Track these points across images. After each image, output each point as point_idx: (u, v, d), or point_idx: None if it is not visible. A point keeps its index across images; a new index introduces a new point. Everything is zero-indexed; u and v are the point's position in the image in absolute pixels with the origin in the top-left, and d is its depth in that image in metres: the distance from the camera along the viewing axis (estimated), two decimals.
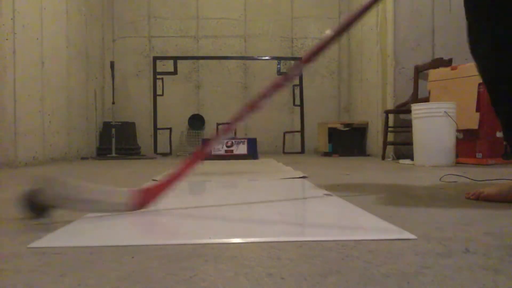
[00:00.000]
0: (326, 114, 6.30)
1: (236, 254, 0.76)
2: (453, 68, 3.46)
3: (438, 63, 3.85)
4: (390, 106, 4.35)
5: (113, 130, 5.04)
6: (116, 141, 5.08)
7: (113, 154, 5.01)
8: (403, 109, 4.04)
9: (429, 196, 1.51)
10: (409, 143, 3.64)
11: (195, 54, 6.14)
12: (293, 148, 6.20)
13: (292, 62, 6.16)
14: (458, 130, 3.22)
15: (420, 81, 4.07)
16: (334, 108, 6.39)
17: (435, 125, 3.13)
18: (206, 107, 6.28)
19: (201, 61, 6.17)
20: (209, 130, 6.23)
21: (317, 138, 5.78)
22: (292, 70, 1.32)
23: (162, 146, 5.99)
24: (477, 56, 1.45)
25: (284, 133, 6.08)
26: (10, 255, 0.77)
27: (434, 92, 3.59)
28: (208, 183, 2.02)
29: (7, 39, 3.37)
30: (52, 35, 4.20)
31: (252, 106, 1.27)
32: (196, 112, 6.24)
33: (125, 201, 1.17)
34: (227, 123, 1.31)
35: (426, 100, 3.72)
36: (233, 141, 4.57)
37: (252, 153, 4.56)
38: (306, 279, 0.62)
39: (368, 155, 5.05)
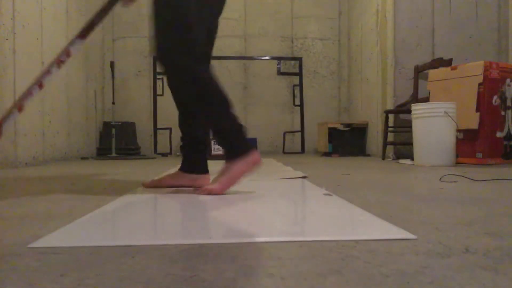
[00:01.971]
0: (326, 114, 6.30)
1: (236, 254, 0.76)
2: (453, 68, 3.46)
3: (438, 63, 3.85)
4: (390, 106, 4.35)
5: (113, 130, 5.04)
6: (116, 141, 5.08)
7: (113, 154, 5.01)
8: (403, 109, 4.04)
9: (429, 196, 1.51)
10: (409, 143, 3.64)
11: None
12: (293, 148, 6.20)
13: (292, 62, 6.16)
14: (458, 130, 3.22)
15: (420, 81, 4.07)
16: (334, 108, 6.39)
17: (435, 125, 3.13)
18: None
19: None
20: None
21: (317, 138, 5.78)
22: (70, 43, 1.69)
23: (162, 146, 5.99)
24: None
25: (284, 133, 6.08)
26: (10, 255, 0.77)
27: (434, 92, 3.59)
28: None
29: (7, 39, 3.37)
30: (52, 35, 4.20)
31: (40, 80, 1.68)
32: None
33: None
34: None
35: (426, 100, 3.72)
36: None
37: None
38: (306, 279, 0.62)
39: (368, 155, 5.05)
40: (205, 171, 1.83)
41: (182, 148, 1.85)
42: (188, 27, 1.59)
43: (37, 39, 3.88)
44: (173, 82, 1.65)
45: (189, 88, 1.60)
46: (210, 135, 1.84)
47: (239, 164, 1.58)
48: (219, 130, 1.64)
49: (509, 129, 3.32)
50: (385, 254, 0.74)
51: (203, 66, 1.65)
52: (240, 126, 1.63)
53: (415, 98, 4.00)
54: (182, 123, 1.84)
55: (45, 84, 1.64)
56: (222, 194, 1.58)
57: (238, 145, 1.62)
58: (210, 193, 1.57)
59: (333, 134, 5.13)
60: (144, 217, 1.16)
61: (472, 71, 3.28)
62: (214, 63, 6.90)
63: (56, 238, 0.89)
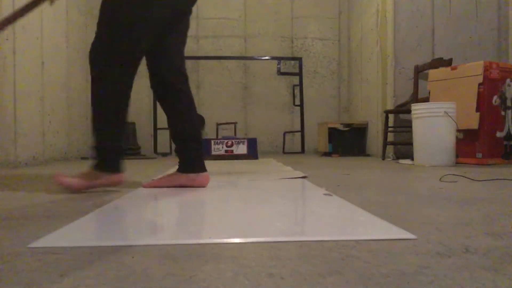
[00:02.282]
0: (326, 114, 6.30)
1: (236, 254, 0.76)
2: (453, 68, 3.46)
3: (438, 63, 3.85)
4: (390, 106, 4.35)
5: None
6: None
7: None
8: (403, 109, 4.04)
9: (429, 196, 1.51)
10: (409, 143, 3.64)
11: (195, 54, 6.14)
12: (293, 148, 6.20)
13: (292, 62, 6.16)
14: (458, 130, 3.22)
15: (420, 81, 4.07)
16: (334, 108, 6.39)
17: (435, 125, 3.13)
18: (206, 107, 6.28)
19: (201, 61, 6.17)
20: (209, 130, 6.23)
21: (317, 138, 5.78)
22: None
23: (162, 146, 5.99)
24: None
25: (284, 133, 6.09)
26: (10, 255, 0.77)
27: (434, 92, 3.59)
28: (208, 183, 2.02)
29: (7, 39, 3.37)
30: (52, 35, 4.20)
31: None
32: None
33: None
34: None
35: (426, 100, 3.72)
36: (233, 141, 4.57)
37: (252, 153, 4.56)
38: (306, 279, 0.62)
39: (368, 155, 5.05)
40: (202, 169, 1.83)
41: (176, 150, 1.88)
42: (118, 35, 1.70)
43: (37, 39, 3.88)
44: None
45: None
46: (202, 133, 1.91)
47: (102, 177, 1.73)
48: (100, 141, 1.75)
49: (509, 129, 3.33)
50: (385, 254, 0.74)
51: (124, 77, 1.77)
52: (120, 148, 1.79)
53: (415, 98, 4.00)
54: (170, 125, 1.91)
55: None
56: (76, 189, 1.70)
57: (110, 163, 1.75)
58: (63, 184, 1.68)
59: (333, 134, 5.13)
60: (144, 217, 1.16)
61: (472, 71, 3.28)
62: (214, 63, 6.96)
63: (56, 238, 0.89)
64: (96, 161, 1.75)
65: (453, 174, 2.29)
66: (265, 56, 6.08)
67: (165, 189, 1.79)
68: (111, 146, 1.76)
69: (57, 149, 4.31)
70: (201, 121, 6.21)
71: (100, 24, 1.71)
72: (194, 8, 6.23)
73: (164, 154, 5.74)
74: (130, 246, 0.82)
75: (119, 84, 1.74)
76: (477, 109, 3.23)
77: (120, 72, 1.74)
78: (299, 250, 0.78)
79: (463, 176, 2.18)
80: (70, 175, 1.74)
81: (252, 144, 4.59)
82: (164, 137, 6.02)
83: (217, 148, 4.54)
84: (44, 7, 4.00)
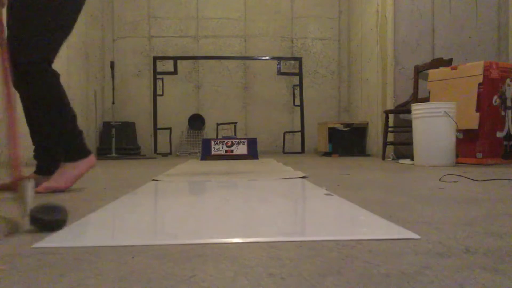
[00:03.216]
0: (326, 114, 6.30)
1: (236, 254, 0.76)
2: (453, 68, 3.46)
3: (438, 63, 3.85)
4: (390, 106, 4.35)
5: (113, 130, 5.04)
6: (116, 141, 5.08)
7: (113, 154, 5.01)
8: (403, 109, 4.04)
9: (429, 196, 1.51)
10: (409, 143, 3.64)
11: (195, 54, 6.14)
12: (293, 148, 6.20)
13: (292, 62, 6.16)
14: (458, 130, 3.22)
15: (420, 81, 4.07)
16: (334, 108, 6.39)
17: (435, 125, 3.13)
18: (206, 107, 6.28)
19: (201, 61, 6.17)
20: (209, 130, 6.23)
21: (317, 138, 5.78)
22: None
23: (162, 146, 5.99)
24: None
25: (284, 133, 6.09)
26: (11, 255, 0.77)
27: (434, 92, 3.59)
28: (208, 183, 2.02)
29: None
30: None
31: None
32: (196, 112, 6.24)
33: None
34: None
35: (426, 100, 3.72)
36: (233, 141, 4.57)
37: (252, 153, 4.56)
38: (306, 279, 0.62)
39: (368, 155, 5.05)
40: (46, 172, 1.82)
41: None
42: (47, 30, 1.67)
43: None
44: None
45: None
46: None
47: (80, 165, 1.74)
48: (61, 132, 1.72)
49: (509, 129, 3.32)
50: (385, 254, 0.74)
51: (51, 68, 1.72)
52: (80, 131, 1.79)
53: (415, 98, 4.00)
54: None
55: None
56: (65, 189, 1.68)
57: (80, 148, 1.77)
58: (53, 189, 1.66)
59: (333, 134, 5.13)
60: (144, 217, 1.16)
61: (472, 71, 3.28)
62: (214, 63, 6.95)
63: (56, 238, 0.89)
64: (64, 154, 1.73)
65: (453, 174, 2.29)
66: (265, 56, 6.08)
67: (164, 189, 1.79)
68: (70, 133, 1.73)
69: None
70: (201, 121, 6.22)
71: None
72: (194, 8, 6.24)
73: (164, 154, 5.75)
74: (130, 246, 0.82)
75: (50, 76, 1.71)
76: (477, 109, 3.23)
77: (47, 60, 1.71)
78: (299, 250, 0.78)
79: (463, 176, 2.18)
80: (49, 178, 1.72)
81: (252, 144, 4.59)
82: (164, 137, 6.02)
83: (217, 148, 4.54)
84: None
